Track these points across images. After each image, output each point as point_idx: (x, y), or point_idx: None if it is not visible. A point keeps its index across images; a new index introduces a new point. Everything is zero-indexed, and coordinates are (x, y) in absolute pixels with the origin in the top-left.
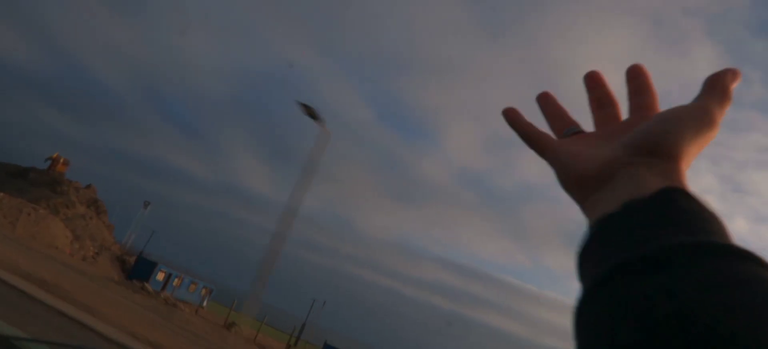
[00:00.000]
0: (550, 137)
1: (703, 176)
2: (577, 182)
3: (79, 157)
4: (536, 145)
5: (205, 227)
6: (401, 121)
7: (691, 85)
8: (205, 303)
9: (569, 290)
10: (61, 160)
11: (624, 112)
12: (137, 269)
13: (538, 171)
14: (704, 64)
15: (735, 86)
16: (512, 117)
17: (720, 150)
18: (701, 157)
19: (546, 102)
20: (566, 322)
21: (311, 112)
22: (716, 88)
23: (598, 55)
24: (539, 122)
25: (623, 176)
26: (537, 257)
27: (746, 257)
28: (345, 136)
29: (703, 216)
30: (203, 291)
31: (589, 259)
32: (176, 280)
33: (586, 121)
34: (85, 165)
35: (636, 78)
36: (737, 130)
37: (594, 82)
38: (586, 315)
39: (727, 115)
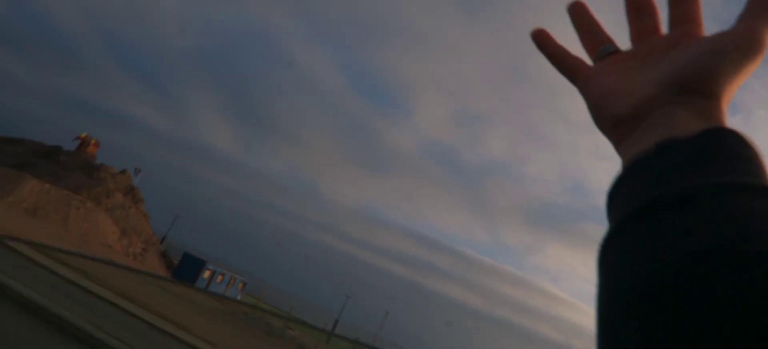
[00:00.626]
0: (583, 63)
1: None
2: (610, 123)
3: (32, 103)
4: (568, 71)
5: (169, 183)
6: (373, 90)
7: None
8: (239, 298)
9: (525, 265)
10: (92, 142)
11: (665, 21)
12: (184, 268)
13: (504, 148)
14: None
15: None
16: (542, 39)
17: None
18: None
19: (579, 14)
20: (520, 295)
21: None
22: (763, 3)
23: (574, 39)
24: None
25: (660, 115)
26: (497, 232)
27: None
28: (315, 101)
29: (742, 156)
30: (239, 285)
31: (618, 197)
32: (219, 277)
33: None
34: (37, 111)
35: None
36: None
37: None
38: (610, 251)
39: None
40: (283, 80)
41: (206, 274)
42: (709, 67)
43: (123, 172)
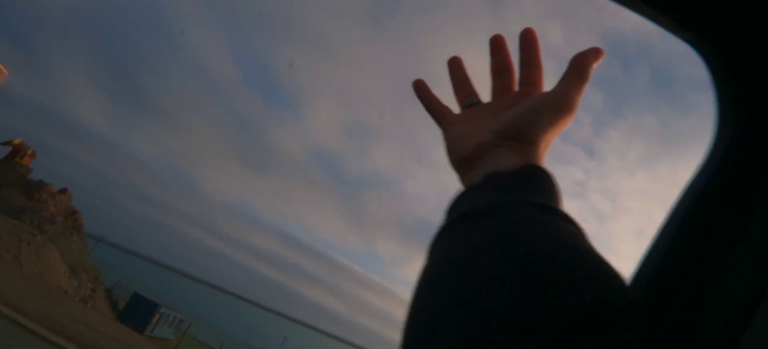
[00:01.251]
0: (449, 111)
1: None
2: (456, 161)
3: None
4: (436, 117)
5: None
6: (267, 88)
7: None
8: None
9: (393, 276)
10: (29, 151)
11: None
12: (133, 311)
13: (389, 162)
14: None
15: (596, 66)
16: (420, 88)
17: None
18: None
19: (454, 68)
20: (386, 305)
21: None
22: (578, 68)
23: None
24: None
25: (489, 156)
26: (370, 242)
27: (564, 216)
28: (203, 88)
29: (545, 186)
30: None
31: (446, 213)
32: (166, 318)
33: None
34: None
35: (527, 47)
36: (562, 162)
37: (496, 47)
38: (431, 250)
39: (555, 145)
40: (172, 62)
41: (155, 317)
42: (529, 120)
43: (63, 191)
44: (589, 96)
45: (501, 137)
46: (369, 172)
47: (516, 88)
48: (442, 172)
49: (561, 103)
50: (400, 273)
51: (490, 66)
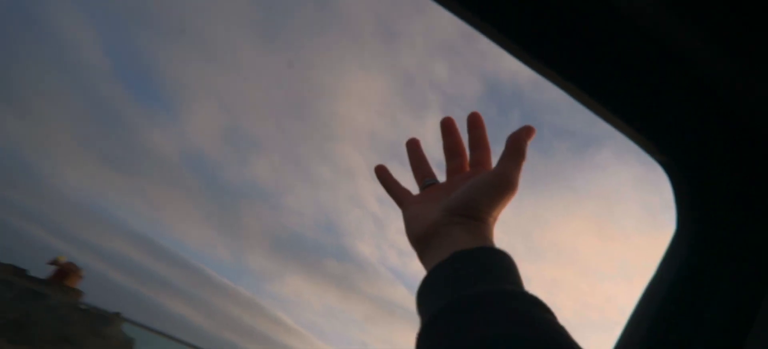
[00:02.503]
0: (408, 192)
1: None
2: (413, 239)
3: None
4: (396, 198)
5: None
6: (142, 84)
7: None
8: None
9: (262, 290)
10: (74, 270)
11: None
12: None
13: (268, 175)
14: (431, 133)
15: (530, 142)
16: (382, 173)
17: None
18: None
19: (411, 149)
20: (251, 319)
21: None
22: (514, 147)
23: (353, 89)
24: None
25: (443, 233)
26: (241, 254)
27: (537, 302)
28: (64, 75)
29: (505, 266)
30: None
31: (426, 296)
32: None
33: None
34: None
35: (473, 129)
36: None
37: (446, 129)
38: (426, 337)
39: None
40: (31, 41)
41: None
42: (474, 198)
43: (117, 315)
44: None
45: (450, 214)
46: (246, 182)
47: (467, 168)
48: (321, 189)
49: (501, 180)
50: (269, 288)
51: (443, 147)
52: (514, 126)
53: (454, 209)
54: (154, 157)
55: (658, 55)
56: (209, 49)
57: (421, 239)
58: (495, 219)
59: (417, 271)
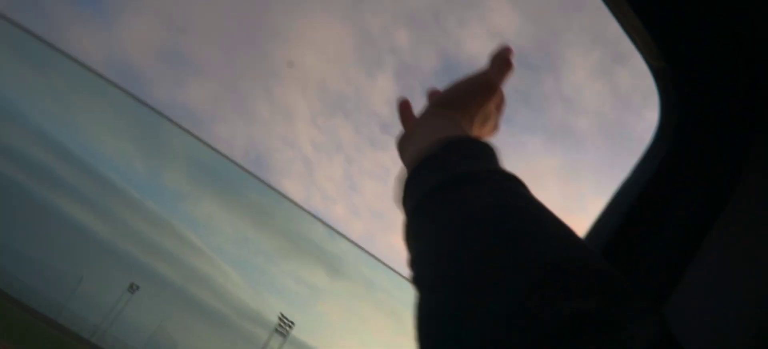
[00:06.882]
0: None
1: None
2: (398, 140)
3: None
4: (404, 124)
5: None
6: None
7: (364, 99)
8: None
9: (175, 209)
10: None
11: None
12: None
13: (201, 100)
14: (381, 94)
15: (512, 56)
16: (402, 108)
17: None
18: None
19: (403, 109)
20: (152, 233)
21: None
22: (499, 57)
23: (308, 31)
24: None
25: (425, 124)
26: (158, 171)
27: (518, 180)
28: None
29: (490, 154)
30: None
31: (416, 181)
32: None
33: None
34: None
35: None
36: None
37: (403, 112)
38: (422, 216)
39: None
40: None
41: None
42: (456, 91)
43: None
44: (417, 101)
45: (433, 106)
46: (175, 103)
47: None
48: (255, 125)
49: (485, 79)
50: (182, 207)
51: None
52: None
53: (438, 100)
54: (76, 55)
55: None
56: None
57: (406, 136)
58: (472, 115)
59: (340, 214)
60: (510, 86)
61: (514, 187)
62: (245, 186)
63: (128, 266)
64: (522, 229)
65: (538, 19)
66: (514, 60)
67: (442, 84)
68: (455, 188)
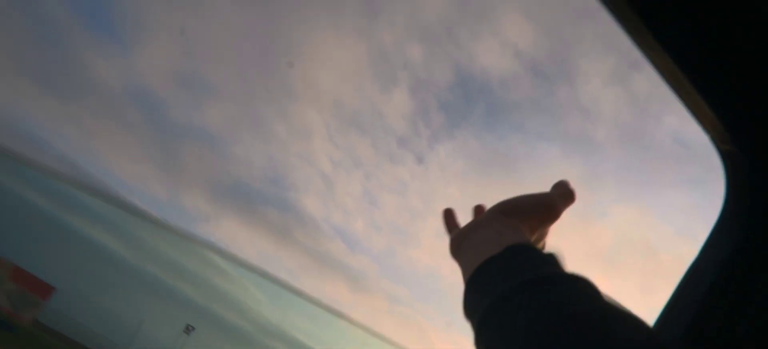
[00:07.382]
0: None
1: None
2: (452, 241)
3: None
4: (450, 230)
5: None
6: (93, 8)
7: (379, 114)
8: None
9: (195, 230)
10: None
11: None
12: None
13: (219, 122)
14: (396, 109)
15: (575, 192)
16: (448, 216)
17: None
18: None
19: (447, 218)
20: (174, 253)
21: None
22: (565, 186)
23: (322, 50)
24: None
25: (486, 225)
26: (177, 193)
27: (589, 282)
28: None
29: (556, 261)
30: None
31: (478, 287)
32: None
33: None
34: None
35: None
36: (393, 161)
37: (447, 220)
38: (491, 324)
39: (390, 146)
40: None
41: None
42: (519, 204)
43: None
44: (432, 115)
45: (493, 211)
46: (193, 125)
47: None
48: (273, 144)
49: (548, 200)
50: (204, 229)
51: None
52: (478, 118)
53: (499, 208)
54: (93, 84)
55: (754, 33)
56: None
57: (461, 235)
58: (532, 232)
59: (360, 230)
60: (525, 95)
61: (583, 287)
62: (265, 204)
63: (151, 286)
64: (594, 338)
65: (551, 30)
66: (576, 192)
67: (455, 98)
68: (528, 293)
